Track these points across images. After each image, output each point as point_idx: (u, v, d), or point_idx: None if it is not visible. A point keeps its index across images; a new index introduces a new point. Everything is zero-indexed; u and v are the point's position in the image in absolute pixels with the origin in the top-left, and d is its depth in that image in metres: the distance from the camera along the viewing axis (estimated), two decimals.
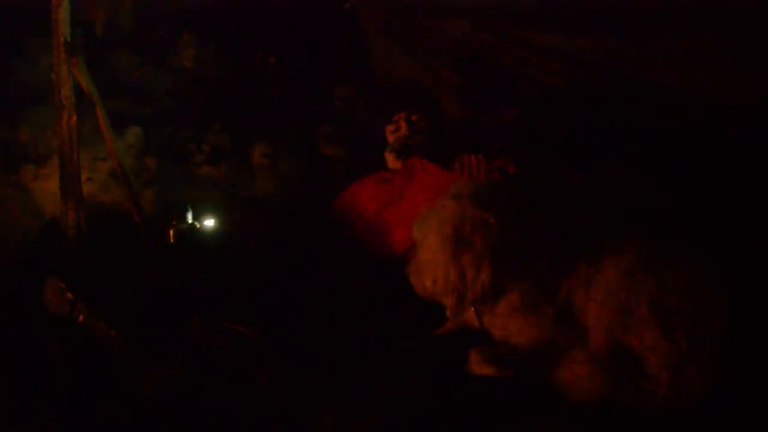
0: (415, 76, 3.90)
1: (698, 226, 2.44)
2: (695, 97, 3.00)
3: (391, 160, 3.51)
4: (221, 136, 3.98)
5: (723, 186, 2.74)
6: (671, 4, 2.99)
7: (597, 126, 3.19)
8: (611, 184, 2.67)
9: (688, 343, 1.91)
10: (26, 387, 2.13)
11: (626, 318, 2.00)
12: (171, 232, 3.08)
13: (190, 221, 3.15)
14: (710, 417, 1.88)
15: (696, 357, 1.90)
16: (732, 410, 1.88)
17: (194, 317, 2.38)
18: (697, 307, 1.95)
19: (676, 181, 2.77)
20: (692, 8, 2.95)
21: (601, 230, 2.25)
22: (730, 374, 1.90)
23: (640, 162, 2.87)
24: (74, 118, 2.76)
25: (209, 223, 3.16)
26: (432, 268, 2.23)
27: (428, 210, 2.33)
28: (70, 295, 2.39)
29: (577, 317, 2.14)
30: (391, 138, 3.56)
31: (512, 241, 2.17)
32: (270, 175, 3.82)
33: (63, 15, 2.71)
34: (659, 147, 2.95)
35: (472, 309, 2.28)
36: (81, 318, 2.35)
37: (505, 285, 2.19)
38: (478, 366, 2.15)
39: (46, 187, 3.33)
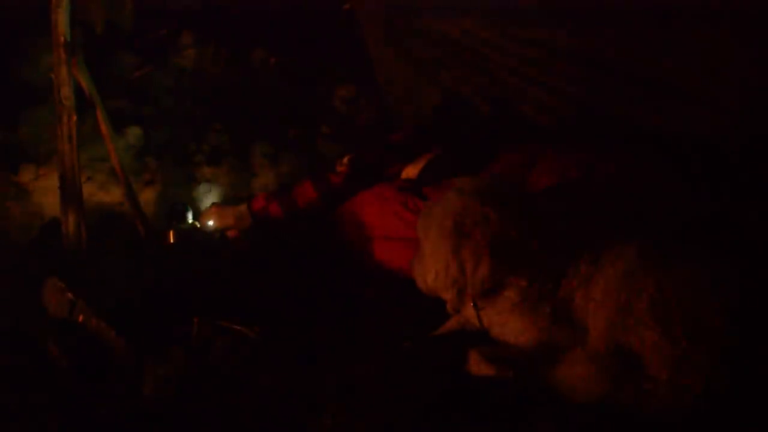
0: (413, 77, 3.90)
1: (698, 227, 2.43)
2: (700, 97, 2.98)
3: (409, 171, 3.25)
4: (221, 136, 3.99)
5: (723, 186, 2.74)
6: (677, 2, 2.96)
7: (598, 126, 3.19)
8: (612, 184, 2.67)
9: (688, 343, 1.91)
10: (26, 387, 2.13)
11: (626, 318, 2.00)
12: (171, 232, 3.08)
13: (190, 221, 3.15)
14: (710, 417, 1.89)
15: (696, 357, 1.90)
16: (732, 410, 1.89)
17: (194, 317, 2.38)
18: (697, 307, 1.95)
19: (676, 181, 2.77)
20: (696, 7, 2.93)
21: (601, 230, 2.25)
22: (730, 374, 1.90)
23: (641, 162, 2.86)
24: (74, 118, 2.76)
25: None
26: (433, 262, 2.23)
27: (432, 204, 2.32)
28: (70, 295, 2.38)
29: (577, 317, 2.13)
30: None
31: (512, 237, 2.16)
32: (270, 175, 3.82)
33: (63, 15, 2.71)
34: (660, 147, 2.95)
35: (471, 305, 2.27)
36: (81, 318, 2.34)
37: (504, 281, 2.19)
38: (478, 366, 2.15)
39: (46, 187, 3.33)
